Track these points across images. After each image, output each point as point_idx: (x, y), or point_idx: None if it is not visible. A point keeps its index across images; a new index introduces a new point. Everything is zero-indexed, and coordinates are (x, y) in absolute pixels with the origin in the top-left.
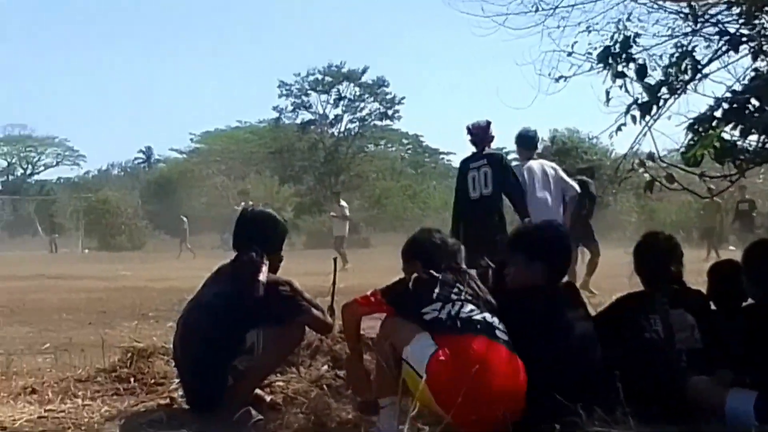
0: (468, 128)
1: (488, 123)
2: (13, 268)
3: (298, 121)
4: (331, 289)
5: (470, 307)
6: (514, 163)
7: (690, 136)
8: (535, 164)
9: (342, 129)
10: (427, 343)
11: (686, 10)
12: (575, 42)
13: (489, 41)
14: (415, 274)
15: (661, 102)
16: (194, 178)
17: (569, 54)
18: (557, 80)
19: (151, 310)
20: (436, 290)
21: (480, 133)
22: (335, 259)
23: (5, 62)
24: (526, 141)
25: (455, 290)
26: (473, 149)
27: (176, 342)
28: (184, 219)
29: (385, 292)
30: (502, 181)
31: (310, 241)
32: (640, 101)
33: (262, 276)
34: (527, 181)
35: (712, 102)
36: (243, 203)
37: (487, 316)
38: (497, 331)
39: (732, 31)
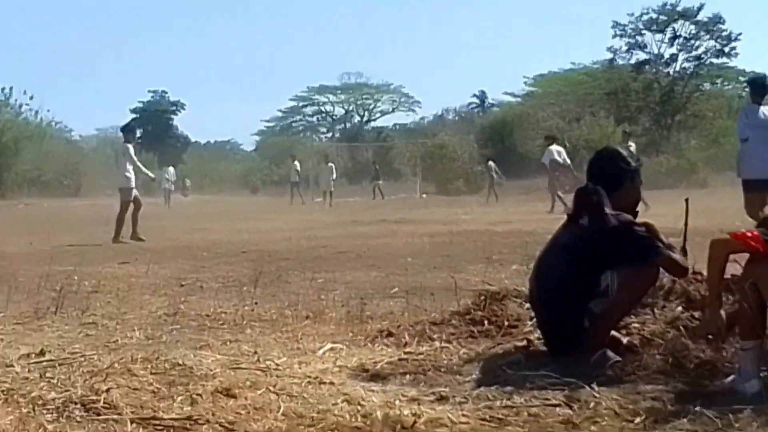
0: None
1: None
2: (355, 213)
3: (633, 61)
4: (683, 230)
5: None
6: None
7: None
8: (764, 109)
9: (677, 68)
10: None
11: None
12: None
13: None
14: None
15: None
16: (529, 122)
17: None
18: None
19: (495, 253)
20: None
21: None
22: (687, 200)
23: (342, 11)
24: (758, 86)
25: None
26: None
27: (532, 284)
28: (491, 164)
29: (764, 232)
30: None
31: (649, 182)
32: None
33: (607, 209)
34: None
35: None
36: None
37: None
38: None
39: None
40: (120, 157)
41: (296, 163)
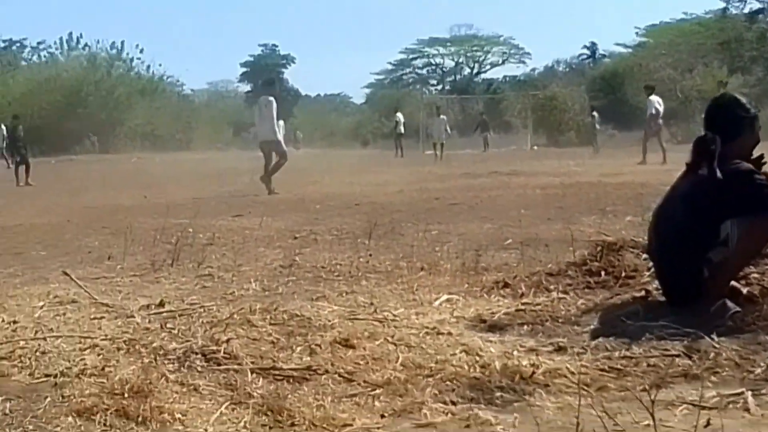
0: None
1: None
2: (466, 166)
3: (746, 10)
4: None
5: None
6: None
7: None
8: None
9: None
10: None
11: None
12: None
13: None
14: None
15: None
16: (640, 73)
17: None
18: None
19: (608, 204)
20: None
21: None
22: None
23: None
24: None
25: None
26: None
27: (650, 235)
28: (595, 115)
29: None
30: None
31: (763, 132)
32: None
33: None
34: None
35: None
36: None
37: None
38: None
39: None
40: (263, 110)
41: (399, 114)
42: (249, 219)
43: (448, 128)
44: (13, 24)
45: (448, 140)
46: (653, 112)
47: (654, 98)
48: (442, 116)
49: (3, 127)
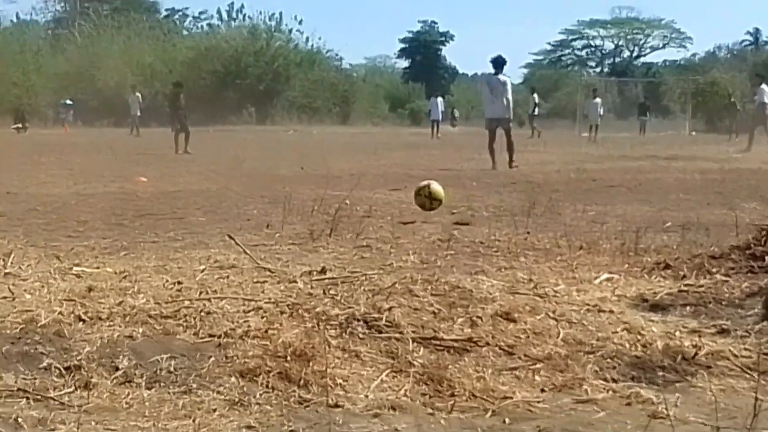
0: None
1: None
2: (623, 148)
3: None
4: None
5: None
6: None
7: None
8: None
9: None
10: None
11: None
12: None
13: None
14: None
15: None
16: None
17: None
18: None
19: None
20: None
21: None
22: None
23: None
24: None
25: None
26: None
27: None
28: (736, 102)
29: None
30: None
31: None
32: None
33: None
34: None
35: None
36: None
37: None
38: None
39: None
40: (497, 89)
41: (535, 95)
42: (406, 193)
43: (602, 110)
44: None
45: (603, 123)
46: (765, 100)
47: (765, 87)
48: (597, 99)
49: (138, 95)
